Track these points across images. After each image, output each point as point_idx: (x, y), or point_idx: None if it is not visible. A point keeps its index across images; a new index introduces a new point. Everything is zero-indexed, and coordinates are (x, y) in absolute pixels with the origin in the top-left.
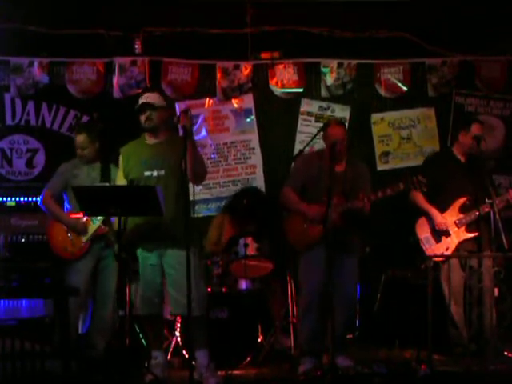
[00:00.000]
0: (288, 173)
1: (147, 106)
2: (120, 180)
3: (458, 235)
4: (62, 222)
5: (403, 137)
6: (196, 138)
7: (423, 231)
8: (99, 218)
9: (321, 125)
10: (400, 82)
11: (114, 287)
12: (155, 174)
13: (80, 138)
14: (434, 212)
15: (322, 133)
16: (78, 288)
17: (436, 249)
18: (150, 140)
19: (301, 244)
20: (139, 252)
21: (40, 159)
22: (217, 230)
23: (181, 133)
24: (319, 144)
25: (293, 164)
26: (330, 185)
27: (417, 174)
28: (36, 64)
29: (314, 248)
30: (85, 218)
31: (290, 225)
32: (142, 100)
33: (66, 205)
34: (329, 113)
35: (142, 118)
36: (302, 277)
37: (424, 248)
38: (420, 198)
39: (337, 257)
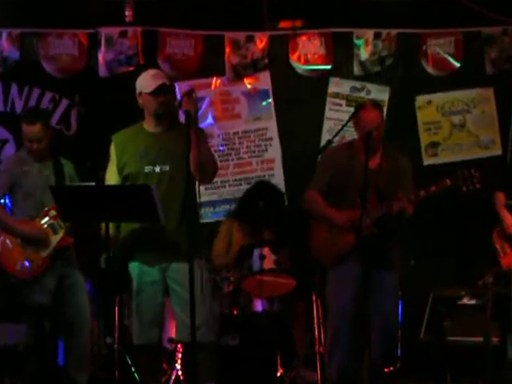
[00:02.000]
0: (313, 169)
1: (166, 88)
2: (112, 176)
3: None
4: (17, 234)
5: (455, 124)
6: (200, 126)
7: (499, 240)
8: (62, 226)
9: (352, 110)
10: (451, 56)
11: (88, 308)
12: (158, 169)
13: (34, 129)
14: (505, 213)
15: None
16: (46, 305)
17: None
18: (151, 127)
19: (329, 257)
20: (135, 266)
21: (9, 152)
22: (224, 239)
23: (183, 120)
24: (352, 133)
25: (318, 159)
26: (364, 184)
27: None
28: (4, 36)
29: (345, 262)
30: (44, 227)
31: (316, 234)
32: (158, 81)
33: (13, 209)
34: (363, 95)
35: (155, 102)
36: (330, 296)
37: (500, 258)
38: (500, 199)
39: (373, 272)
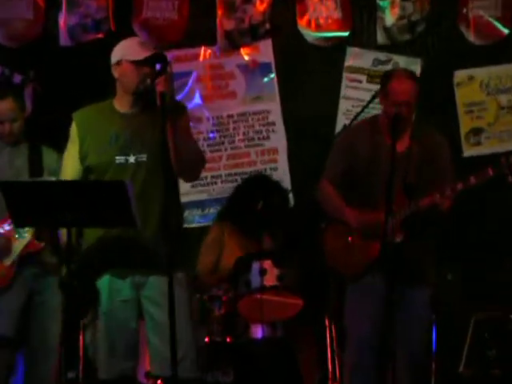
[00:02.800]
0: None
1: (157, 59)
2: (72, 162)
3: None
4: None
5: (503, 105)
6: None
7: None
8: (29, 228)
9: (375, 87)
10: (497, 20)
11: (58, 334)
12: (132, 159)
13: (5, 105)
14: None
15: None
16: (5, 335)
17: None
18: (123, 107)
19: (349, 269)
20: (104, 281)
21: None
22: (213, 249)
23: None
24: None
25: (334, 142)
26: (391, 174)
27: None
28: None
29: (369, 275)
30: (4, 230)
31: (332, 240)
32: (148, 50)
33: None
34: (389, 69)
35: (138, 74)
36: (349, 320)
37: None
38: None
39: (400, 289)
